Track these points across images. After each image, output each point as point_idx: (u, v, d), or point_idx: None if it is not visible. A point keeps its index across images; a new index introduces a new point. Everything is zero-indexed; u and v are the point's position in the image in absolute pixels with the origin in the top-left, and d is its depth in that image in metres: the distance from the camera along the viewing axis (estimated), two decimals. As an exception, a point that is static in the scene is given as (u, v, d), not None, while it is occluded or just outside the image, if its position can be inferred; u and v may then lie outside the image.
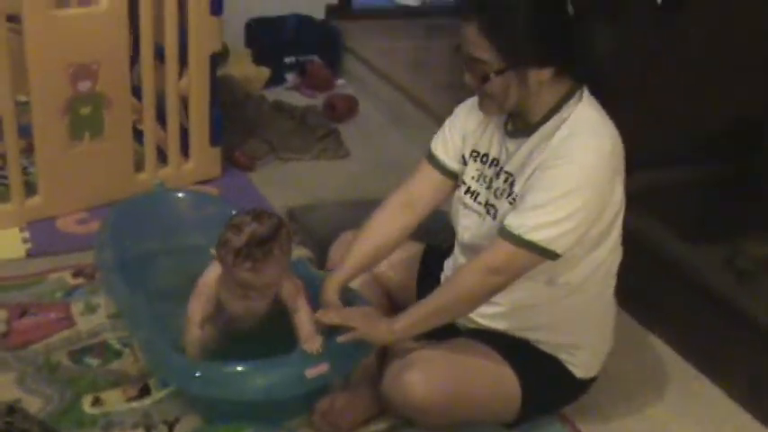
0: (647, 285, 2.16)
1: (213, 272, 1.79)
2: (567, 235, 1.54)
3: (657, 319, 2.21)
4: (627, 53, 2.18)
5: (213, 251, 1.74)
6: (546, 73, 1.56)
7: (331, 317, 1.70)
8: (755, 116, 2.32)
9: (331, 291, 1.77)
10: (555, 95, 1.60)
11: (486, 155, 1.74)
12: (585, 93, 1.62)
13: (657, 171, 2.29)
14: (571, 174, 1.54)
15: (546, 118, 1.61)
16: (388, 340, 1.69)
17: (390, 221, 1.82)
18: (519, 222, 1.56)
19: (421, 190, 1.82)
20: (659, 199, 2.27)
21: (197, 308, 1.78)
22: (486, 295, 1.64)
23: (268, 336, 1.81)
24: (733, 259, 2.24)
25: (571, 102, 1.60)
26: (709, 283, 2.13)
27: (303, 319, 1.76)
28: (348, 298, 1.81)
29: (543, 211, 1.54)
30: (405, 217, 1.82)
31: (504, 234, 1.57)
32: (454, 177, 1.81)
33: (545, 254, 1.56)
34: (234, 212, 1.82)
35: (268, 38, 3.75)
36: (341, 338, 1.67)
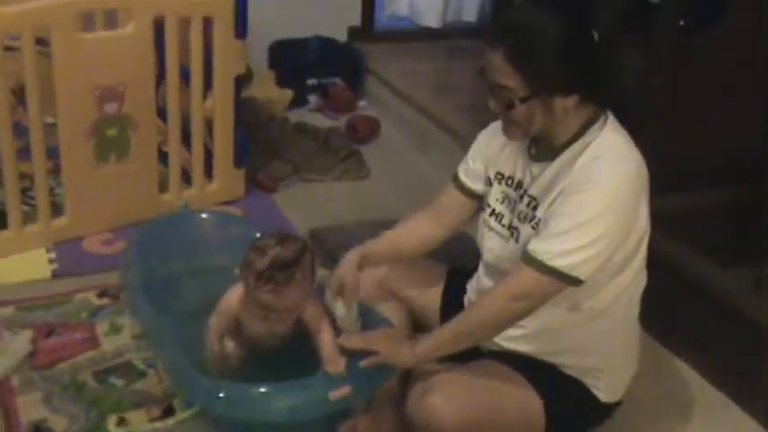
0: (674, 309, 2.14)
1: (236, 292, 1.80)
2: (591, 261, 1.54)
3: (684, 344, 2.18)
4: (653, 77, 2.18)
5: (237, 271, 1.75)
6: (571, 100, 1.55)
7: (355, 341, 1.70)
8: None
9: (348, 266, 1.79)
10: (579, 120, 1.60)
11: (511, 177, 1.74)
12: (610, 117, 1.62)
13: (685, 194, 2.27)
14: (595, 199, 1.53)
15: (570, 142, 1.61)
16: (410, 363, 1.68)
17: (417, 225, 1.88)
18: (543, 248, 1.55)
19: (446, 205, 1.87)
20: (687, 222, 2.25)
21: (215, 324, 1.80)
22: (510, 321, 1.63)
23: (290, 356, 1.82)
24: (762, 282, 2.21)
25: (595, 126, 1.60)
26: (737, 306, 2.11)
27: (326, 340, 1.76)
28: (371, 320, 1.81)
29: (567, 237, 1.53)
30: (431, 225, 1.87)
31: (528, 260, 1.57)
32: (477, 199, 1.82)
33: (569, 280, 1.55)
34: (258, 234, 1.83)
35: (291, 60, 3.78)
36: (363, 363, 1.67)
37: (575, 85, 1.54)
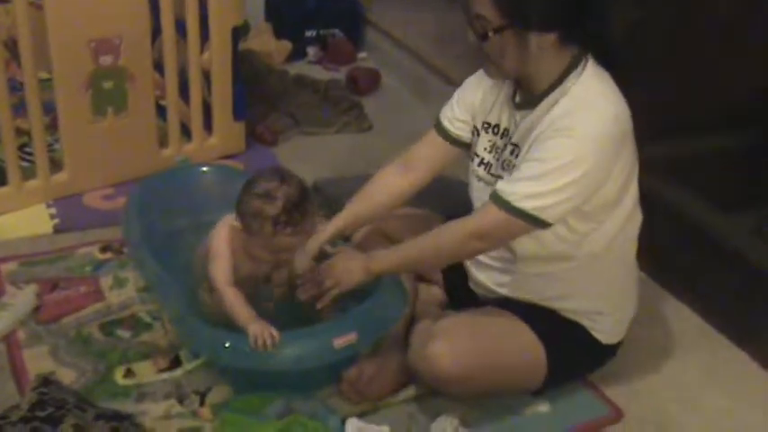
0: (674, 253, 2.15)
1: (222, 235, 1.76)
2: (559, 205, 1.54)
3: (685, 286, 2.19)
4: (654, 18, 2.15)
5: (237, 223, 1.73)
6: (548, 39, 1.53)
7: (308, 289, 1.72)
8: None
9: (306, 254, 1.80)
10: (559, 66, 1.58)
11: (497, 125, 1.73)
12: (590, 63, 1.59)
13: (686, 139, 2.26)
14: (568, 145, 1.52)
15: (550, 90, 1.59)
16: (365, 280, 1.71)
17: (384, 183, 1.87)
18: (512, 190, 1.55)
19: (420, 153, 1.85)
20: (688, 166, 2.24)
21: (221, 270, 1.74)
22: (465, 256, 1.69)
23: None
24: (761, 226, 2.21)
25: (575, 73, 1.58)
26: (737, 249, 2.11)
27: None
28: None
29: (538, 181, 1.53)
30: (400, 178, 1.86)
31: (496, 200, 1.57)
32: (458, 145, 1.82)
33: (535, 222, 1.55)
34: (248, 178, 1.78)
35: (289, 11, 3.73)
36: (319, 304, 1.70)
37: (552, 20, 1.51)
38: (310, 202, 1.72)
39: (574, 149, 1.52)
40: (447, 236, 1.64)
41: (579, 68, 1.58)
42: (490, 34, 1.53)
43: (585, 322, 1.75)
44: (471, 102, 1.77)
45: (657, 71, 2.18)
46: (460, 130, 1.80)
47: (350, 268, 1.70)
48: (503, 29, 1.51)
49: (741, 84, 2.27)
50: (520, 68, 1.58)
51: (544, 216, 1.54)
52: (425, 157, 1.85)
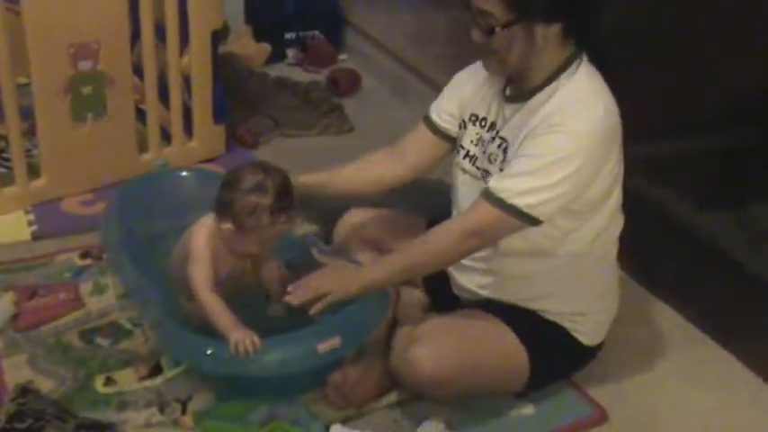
0: (656, 252, 2.16)
1: (202, 235, 1.75)
2: (551, 202, 1.54)
3: (667, 286, 2.20)
4: (635, 21, 2.16)
5: (228, 225, 1.71)
6: (553, 30, 1.54)
7: (302, 294, 1.66)
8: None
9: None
10: (556, 61, 1.59)
11: (485, 119, 1.73)
12: (584, 62, 1.61)
13: (669, 138, 2.27)
14: (560, 142, 1.53)
15: (544, 85, 1.60)
16: (359, 292, 1.68)
17: (366, 165, 1.88)
18: (504, 186, 1.55)
19: (407, 145, 1.86)
20: (671, 165, 2.25)
21: (203, 273, 1.71)
22: (459, 257, 1.66)
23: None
24: (742, 224, 2.22)
25: (569, 70, 1.59)
26: (719, 248, 2.12)
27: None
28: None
29: (530, 178, 1.54)
30: (389, 161, 1.86)
31: (488, 197, 1.57)
32: (446, 139, 1.82)
33: (527, 219, 1.56)
34: (224, 175, 1.77)
35: (268, 14, 3.72)
36: (313, 310, 1.64)
37: (556, 11, 1.53)
38: (292, 185, 1.73)
39: (567, 145, 1.53)
40: (441, 237, 1.63)
41: (573, 67, 1.59)
42: (497, 29, 1.53)
43: (567, 324, 1.75)
44: (460, 95, 1.78)
45: (638, 71, 2.19)
46: (448, 123, 1.80)
47: (344, 278, 1.67)
48: (510, 23, 1.52)
49: (725, 83, 2.28)
50: (524, 61, 1.58)
51: (536, 213, 1.55)
52: (411, 148, 1.85)
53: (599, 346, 1.82)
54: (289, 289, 1.68)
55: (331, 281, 1.67)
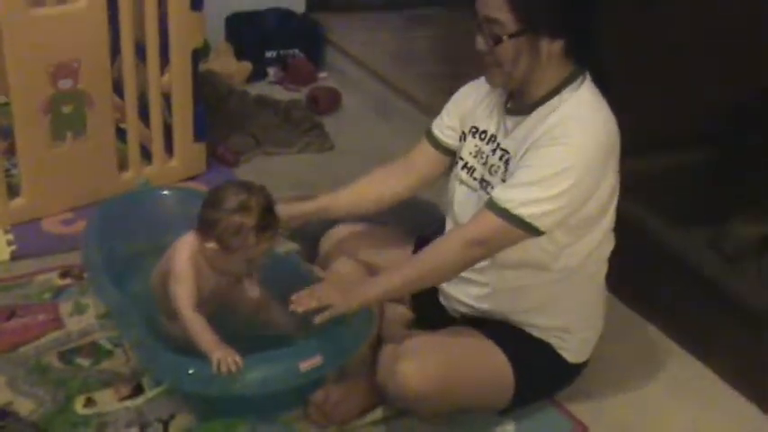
0: (636, 270, 2.17)
1: (184, 254, 1.75)
2: (553, 213, 1.56)
3: (647, 304, 2.21)
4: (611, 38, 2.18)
5: (212, 245, 1.71)
6: (557, 45, 1.57)
7: (306, 302, 1.65)
8: (740, 100, 2.33)
9: (287, 214, 1.81)
10: (559, 76, 1.61)
11: (484, 131, 1.75)
12: (587, 79, 1.63)
13: (643, 156, 2.30)
14: (564, 153, 1.55)
15: (546, 98, 1.62)
16: (360, 307, 1.68)
17: (376, 179, 1.89)
18: (508, 197, 1.56)
19: (416, 159, 1.88)
20: (645, 184, 2.28)
21: (186, 292, 1.71)
22: (462, 267, 1.65)
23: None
24: (719, 241, 2.24)
25: (573, 85, 1.62)
26: (696, 266, 2.14)
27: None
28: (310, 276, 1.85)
29: (533, 188, 1.55)
30: (391, 177, 1.88)
31: (492, 207, 1.58)
32: (448, 153, 1.84)
33: (530, 230, 1.57)
34: (204, 196, 1.78)
35: (249, 32, 3.73)
36: (318, 319, 1.63)
37: (563, 27, 1.55)
38: (274, 201, 1.75)
39: (569, 158, 1.54)
40: (443, 248, 1.63)
41: (576, 83, 1.62)
42: (504, 38, 1.55)
43: (553, 340, 1.76)
44: (461, 109, 1.80)
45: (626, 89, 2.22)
46: (449, 138, 1.83)
47: (346, 291, 1.67)
48: (518, 33, 1.54)
49: (696, 101, 2.31)
50: (527, 75, 1.60)
51: (538, 224, 1.56)
52: (419, 161, 1.88)
53: (584, 364, 1.83)
54: (292, 298, 1.67)
55: (334, 294, 1.66)
